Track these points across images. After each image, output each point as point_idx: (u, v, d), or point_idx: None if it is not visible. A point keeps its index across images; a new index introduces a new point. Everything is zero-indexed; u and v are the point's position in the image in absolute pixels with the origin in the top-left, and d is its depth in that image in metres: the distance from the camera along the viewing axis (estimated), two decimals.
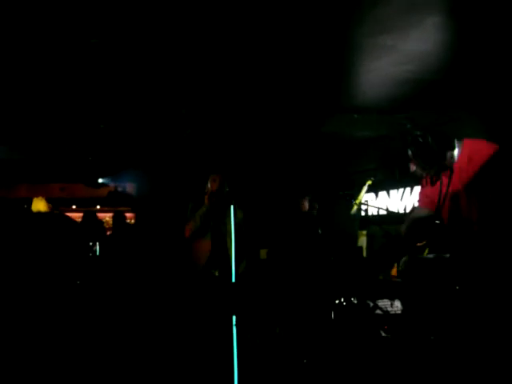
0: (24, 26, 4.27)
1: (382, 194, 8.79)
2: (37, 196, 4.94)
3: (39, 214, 4.29)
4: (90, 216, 8.60)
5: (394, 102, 6.30)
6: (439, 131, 3.50)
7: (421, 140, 3.47)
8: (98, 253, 7.14)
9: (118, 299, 6.11)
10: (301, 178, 8.96)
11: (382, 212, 8.23)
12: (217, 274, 5.09)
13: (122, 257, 7.40)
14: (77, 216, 9.20)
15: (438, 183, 3.56)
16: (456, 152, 3.45)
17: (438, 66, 5.12)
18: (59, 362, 2.83)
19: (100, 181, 10.99)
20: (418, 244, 4.59)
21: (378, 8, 3.96)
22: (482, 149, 3.38)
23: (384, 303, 3.89)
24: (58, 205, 10.95)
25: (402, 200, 8.13)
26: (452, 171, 3.43)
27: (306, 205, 6.87)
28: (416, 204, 3.90)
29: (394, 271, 5.00)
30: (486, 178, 3.28)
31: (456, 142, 3.48)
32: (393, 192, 8.53)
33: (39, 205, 4.38)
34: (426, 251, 4.49)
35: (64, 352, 3.00)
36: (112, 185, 11.62)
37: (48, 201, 4.87)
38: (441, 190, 3.51)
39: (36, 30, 4.33)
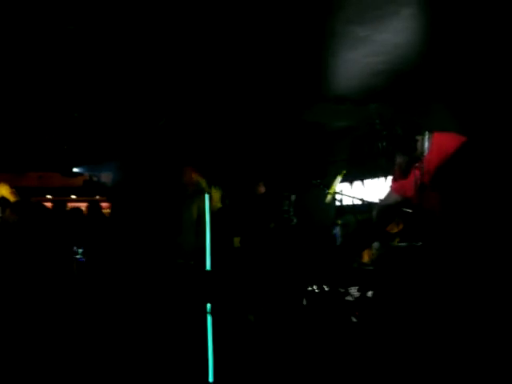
0: None
1: (357, 183, 8.85)
2: (13, 185, 4.91)
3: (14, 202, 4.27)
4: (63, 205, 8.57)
5: (367, 92, 6.34)
6: (408, 122, 3.54)
7: (390, 132, 3.51)
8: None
9: (95, 289, 6.10)
10: (275, 167, 8.97)
11: (357, 201, 8.28)
12: (192, 262, 5.12)
13: (100, 248, 7.39)
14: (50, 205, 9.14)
15: (411, 174, 3.60)
16: (426, 144, 3.49)
17: (412, 56, 5.16)
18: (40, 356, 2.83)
19: (75, 170, 10.90)
20: (390, 231, 4.66)
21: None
22: (449, 141, 3.42)
23: (354, 290, 3.95)
24: (35, 194, 10.87)
25: (377, 189, 8.19)
26: (422, 163, 3.47)
27: (262, 189, 6.94)
28: (388, 192, 3.95)
29: (365, 258, 5.07)
30: (448, 171, 3.32)
31: (426, 134, 3.51)
32: (367, 181, 8.59)
33: (2, 190, 4.34)
34: (397, 240, 4.55)
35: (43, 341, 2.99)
36: (87, 174, 11.54)
37: (25, 190, 4.84)
38: (414, 181, 3.56)
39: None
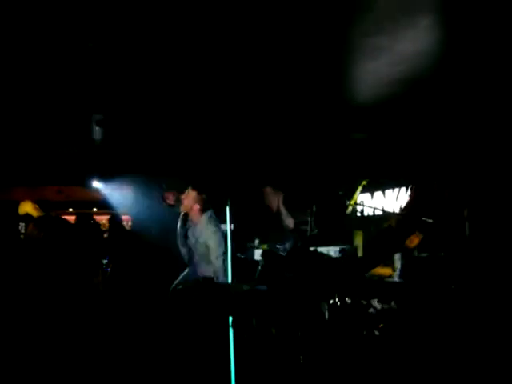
0: None
1: (378, 193, 8.82)
2: (33, 199, 4.95)
3: (39, 217, 4.30)
4: (86, 218, 8.66)
5: (385, 101, 6.33)
6: None
7: None
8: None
9: (118, 301, 6.15)
10: (296, 176, 8.98)
11: (378, 212, 8.26)
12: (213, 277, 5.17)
13: (124, 259, 7.47)
14: (73, 219, 9.24)
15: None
16: None
17: (431, 65, 5.15)
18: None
19: (97, 183, 11.00)
20: (410, 242, 4.63)
21: (374, 10, 3.99)
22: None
23: (377, 303, 3.91)
24: (55, 208, 10.97)
25: (398, 200, 8.15)
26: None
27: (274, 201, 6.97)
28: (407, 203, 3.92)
29: (387, 272, 5.04)
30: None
31: None
32: (388, 192, 8.55)
33: (26, 207, 4.38)
34: (416, 250, 4.52)
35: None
36: (109, 188, 11.63)
37: (45, 204, 4.89)
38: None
39: None
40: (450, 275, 3.40)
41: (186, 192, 5.76)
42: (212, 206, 5.72)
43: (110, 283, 7.11)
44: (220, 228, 5.51)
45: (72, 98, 6.28)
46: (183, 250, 5.87)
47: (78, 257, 2.86)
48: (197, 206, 5.71)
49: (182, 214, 5.85)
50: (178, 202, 5.77)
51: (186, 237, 5.81)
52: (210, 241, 5.44)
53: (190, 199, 5.75)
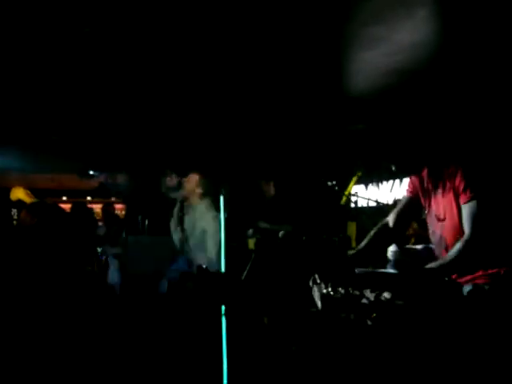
0: None
1: (372, 185, 8.82)
2: (26, 186, 4.92)
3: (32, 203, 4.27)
4: (81, 207, 8.67)
5: (380, 92, 6.32)
6: None
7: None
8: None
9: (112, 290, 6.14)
10: (289, 167, 8.97)
11: (372, 203, 8.26)
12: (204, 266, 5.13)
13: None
14: (67, 207, 9.21)
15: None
16: None
17: (428, 56, 5.14)
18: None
19: (91, 172, 10.96)
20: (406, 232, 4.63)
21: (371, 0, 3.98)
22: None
23: (370, 293, 3.89)
24: (48, 195, 10.93)
25: (392, 191, 8.15)
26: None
27: (271, 189, 6.97)
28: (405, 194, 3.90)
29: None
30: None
31: None
32: (383, 184, 8.56)
33: (18, 193, 4.35)
34: (412, 241, 4.52)
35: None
36: (103, 176, 11.59)
37: (38, 192, 4.85)
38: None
39: None
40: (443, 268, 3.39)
41: (189, 175, 5.70)
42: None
43: (105, 271, 7.10)
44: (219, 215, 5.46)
45: (69, 86, 6.26)
46: (176, 237, 5.82)
47: (71, 244, 2.82)
48: (199, 190, 5.65)
49: (181, 198, 5.79)
50: (180, 185, 5.71)
51: (181, 223, 5.76)
52: (209, 226, 5.38)
53: (192, 182, 5.69)
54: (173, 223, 5.81)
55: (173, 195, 5.85)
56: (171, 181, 5.78)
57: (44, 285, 2.74)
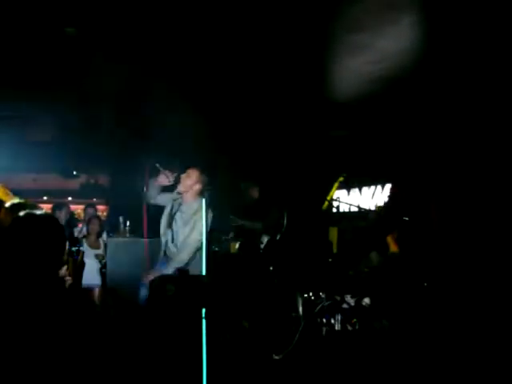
0: None
1: (354, 190, 8.85)
2: (7, 186, 4.86)
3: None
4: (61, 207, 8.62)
5: (365, 99, 6.35)
6: None
7: None
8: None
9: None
10: (272, 173, 8.99)
11: (354, 208, 8.30)
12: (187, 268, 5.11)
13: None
14: (48, 207, 9.15)
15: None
16: None
17: (412, 63, 5.17)
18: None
19: (75, 172, 10.90)
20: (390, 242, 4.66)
21: (355, 6, 3.99)
22: None
23: (350, 298, 3.93)
24: (29, 195, 10.83)
25: (374, 197, 8.20)
26: None
27: (256, 193, 6.99)
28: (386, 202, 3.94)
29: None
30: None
31: None
32: (365, 189, 8.60)
33: None
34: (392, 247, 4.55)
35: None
36: (85, 176, 11.55)
37: (19, 191, 4.80)
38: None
39: None
40: (423, 273, 3.43)
41: (188, 171, 5.55)
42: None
43: (79, 272, 7.04)
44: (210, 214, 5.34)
45: (55, 84, 6.23)
46: (164, 239, 5.65)
47: (43, 246, 2.77)
48: (197, 187, 5.52)
49: (175, 196, 5.65)
50: (177, 181, 5.54)
51: (170, 224, 5.60)
52: (197, 223, 5.25)
53: (192, 178, 5.54)
54: (163, 225, 5.67)
55: (160, 200, 5.71)
56: (167, 177, 5.60)
57: (9, 289, 2.68)
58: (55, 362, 2.54)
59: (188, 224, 5.41)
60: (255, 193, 7.23)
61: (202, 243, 4.89)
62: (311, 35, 4.57)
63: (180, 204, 5.58)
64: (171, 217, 5.58)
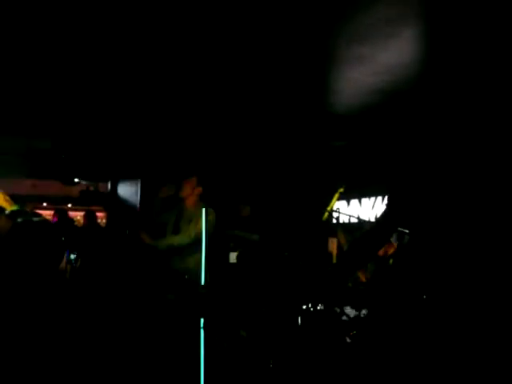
0: None
1: (354, 202, 8.87)
2: (6, 192, 4.85)
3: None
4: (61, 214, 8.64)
5: (365, 110, 6.37)
6: None
7: None
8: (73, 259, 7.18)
9: (87, 294, 6.09)
10: (272, 185, 9.00)
11: (353, 220, 8.30)
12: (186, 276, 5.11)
13: (93, 255, 7.44)
14: (48, 214, 9.17)
15: None
16: None
17: (412, 76, 5.19)
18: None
19: (76, 180, 10.91)
20: (387, 251, 4.67)
21: (357, 19, 4.00)
22: None
23: (350, 310, 3.94)
24: (29, 201, 10.85)
25: (374, 208, 8.20)
26: None
27: (247, 211, 7.11)
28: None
29: (361, 278, 5.07)
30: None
31: None
32: (364, 200, 8.61)
33: None
34: (391, 260, 4.55)
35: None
36: (85, 183, 11.55)
37: (19, 198, 4.80)
38: None
39: None
40: (421, 285, 3.42)
41: (189, 178, 5.65)
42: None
43: (77, 278, 7.05)
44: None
45: (52, 92, 6.23)
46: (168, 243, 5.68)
47: (41, 252, 2.79)
48: (198, 191, 5.61)
49: (178, 203, 5.69)
50: (179, 189, 5.64)
51: (176, 230, 5.61)
52: (195, 225, 5.29)
53: (193, 183, 5.63)
54: (168, 231, 5.69)
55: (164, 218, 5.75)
56: (169, 189, 5.69)
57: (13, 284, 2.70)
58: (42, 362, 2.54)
59: (190, 230, 5.45)
60: (246, 212, 7.35)
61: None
62: (312, 47, 4.59)
63: (182, 210, 5.65)
64: (176, 225, 5.64)
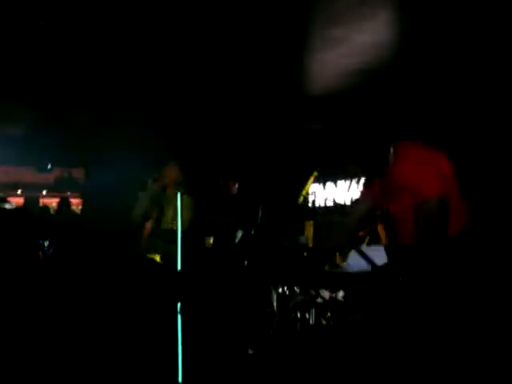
0: None
1: (330, 184, 8.88)
2: None
3: None
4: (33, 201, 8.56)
5: (341, 92, 6.36)
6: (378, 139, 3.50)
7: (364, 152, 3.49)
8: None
9: (61, 281, 6.03)
10: (247, 167, 8.98)
11: (329, 203, 8.32)
12: (158, 259, 5.08)
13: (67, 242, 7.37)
14: (21, 200, 9.07)
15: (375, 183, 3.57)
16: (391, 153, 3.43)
17: (387, 57, 5.19)
18: None
19: (49, 166, 10.78)
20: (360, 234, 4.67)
21: (331, 0, 3.99)
22: (410, 152, 3.36)
23: (326, 293, 3.94)
24: (3, 188, 10.72)
25: (349, 191, 8.22)
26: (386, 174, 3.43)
27: (235, 188, 7.02)
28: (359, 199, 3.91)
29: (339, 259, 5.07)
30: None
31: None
32: (340, 183, 8.63)
33: None
34: (366, 240, 4.56)
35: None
36: (58, 170, 11.43)
37: None
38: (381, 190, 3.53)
39: None
40: (397, 267, 3.43)
41: (171, 164, 5.58)
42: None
43: (50, 265, 6.98)
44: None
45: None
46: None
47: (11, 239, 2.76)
48: (179, 179, 5.56)
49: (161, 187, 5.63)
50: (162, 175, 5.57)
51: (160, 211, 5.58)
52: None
53: (176, 170, 5.58)
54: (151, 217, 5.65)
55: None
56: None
57: None
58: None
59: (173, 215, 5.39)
60: (234, 189, 7.23)
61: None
62: (287, 29, 4.57)
63: (163, 196, 5.59)
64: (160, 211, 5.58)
